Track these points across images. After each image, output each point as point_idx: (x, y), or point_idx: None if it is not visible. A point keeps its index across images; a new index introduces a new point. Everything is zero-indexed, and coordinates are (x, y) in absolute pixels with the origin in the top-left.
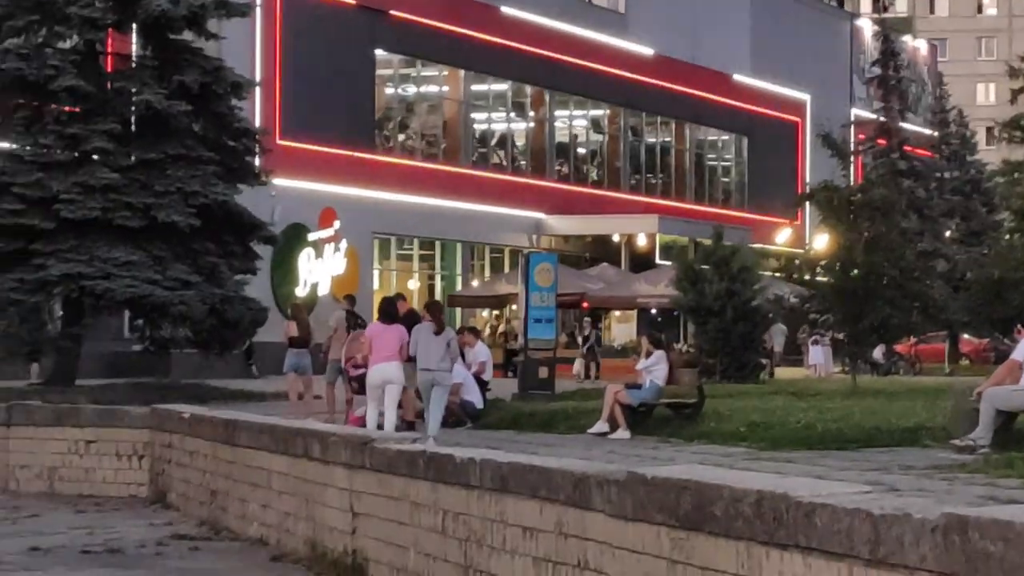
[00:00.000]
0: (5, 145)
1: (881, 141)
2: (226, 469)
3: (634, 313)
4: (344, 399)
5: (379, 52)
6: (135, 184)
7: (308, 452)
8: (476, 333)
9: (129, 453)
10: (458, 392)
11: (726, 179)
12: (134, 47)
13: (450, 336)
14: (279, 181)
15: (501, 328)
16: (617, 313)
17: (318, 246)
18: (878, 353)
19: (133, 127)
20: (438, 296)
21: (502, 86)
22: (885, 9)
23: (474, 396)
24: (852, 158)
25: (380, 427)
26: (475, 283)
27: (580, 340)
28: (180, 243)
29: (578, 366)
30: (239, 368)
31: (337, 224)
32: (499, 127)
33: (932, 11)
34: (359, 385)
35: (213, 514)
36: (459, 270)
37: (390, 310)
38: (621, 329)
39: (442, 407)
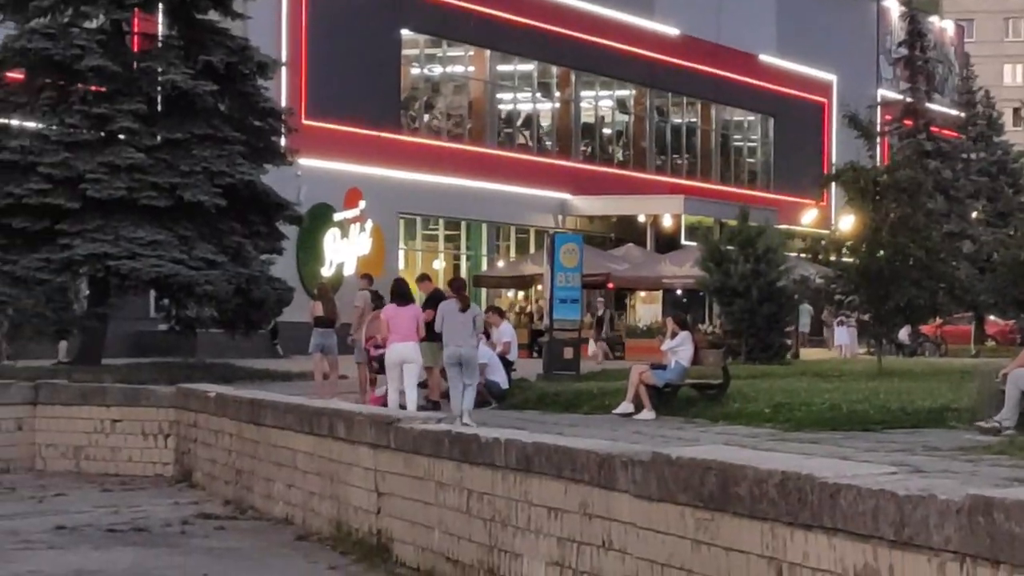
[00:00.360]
0: (31, 125)
1: (907, 122)
2: (251, 449)
3: (659, 294)
4: (368, 379)
5: (405, 32)
6: (161, 164)
7: (333, 432)
8: (501, 313)
9: (155, 432)
10: (483, 372)
11: (752, 160)
12: (160, 27)
13: (475, 313)
14: (304, 161)
15: (527, 308)
16: (642, 294)
17: (344, 226)
18: (904, 334)
19: (159, 107)
20: (463, 276)
21: (528, 66)
22: None
23: (499, 376)
24: (878, 139)
25: (402, 407)
26: (500, 263)
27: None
28: (206, 223)
29: (593, 347)
30: (264, 348)
31: (363, 204)
32: (525, 107)
33: None
34: (379, 365)
35: (238, 493)
36: (484, 250)
37: (403, 291)
38: (646, 310)
39: (476, 382)
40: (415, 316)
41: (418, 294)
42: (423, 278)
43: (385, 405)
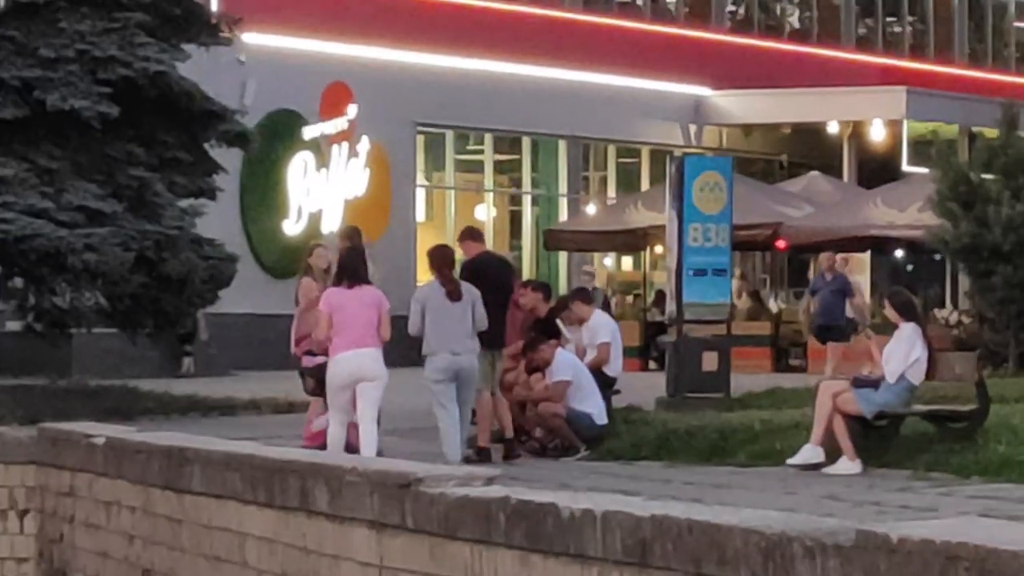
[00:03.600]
0: None
1: None
2: (169, 532)
3: (866, 257)
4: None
5: None
6: (6, 46)
7: (308, 502)
8: (589, 298)
9: (3, 507)
10: (562, 397)
11: None
12: None
13: (474, 299)
14: (252, 38)
15: (652, 286)
16: (838, 257)
17: (321, 149)
18: None
19: None
20: (527, 231)
21: None
22: None
23: (591, 404)
24: None
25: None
26: (590, 209)
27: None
28: (84, 147)
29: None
30: (170, 359)
31: (353, 111)
32: None
33: None
34: (317, 382)
35: None
36: (563, 187)
37: (354, 264)
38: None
39: (470, 412)
40: (376, 304)
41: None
42: (469, 235)
43: (323, 447)
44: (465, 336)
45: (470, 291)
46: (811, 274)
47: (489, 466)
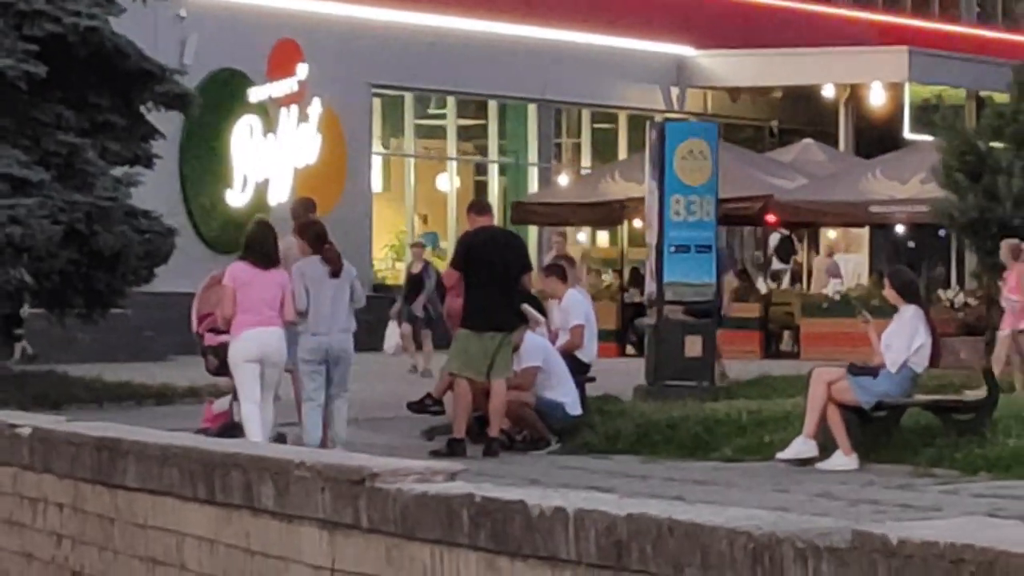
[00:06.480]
0: None
1: None
2: (100, 532)
3: (864, 233)
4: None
5: None
6: None
7: (253, 499)
8: (564, 275)
9: None
10: (531, 384)
11: None
12: None
13: (352, 276)
14: None
15: (632, 265)
16: (832, 233)
17: (269, 112)
18: None
19: None
20: (493, 204)
21: None
22: None
23: (563, 392)
24: None
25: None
26: (563, 179)
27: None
28: (9, 110)
29: (393, 336)
30: (124, 338)
31: (303, 71)
32: None
33: None
34: (221, 363)
35: None
36: (533, 155)
37: (263, 241)
38: (839, 263)
39: (346, 397)
40: (281, 284)
41: (452, 237)
42: (473, 208)
43: (231, 430)
44: (343, 315)
45: (348, 268)
46: (799, 246)
47: (454, 460)
